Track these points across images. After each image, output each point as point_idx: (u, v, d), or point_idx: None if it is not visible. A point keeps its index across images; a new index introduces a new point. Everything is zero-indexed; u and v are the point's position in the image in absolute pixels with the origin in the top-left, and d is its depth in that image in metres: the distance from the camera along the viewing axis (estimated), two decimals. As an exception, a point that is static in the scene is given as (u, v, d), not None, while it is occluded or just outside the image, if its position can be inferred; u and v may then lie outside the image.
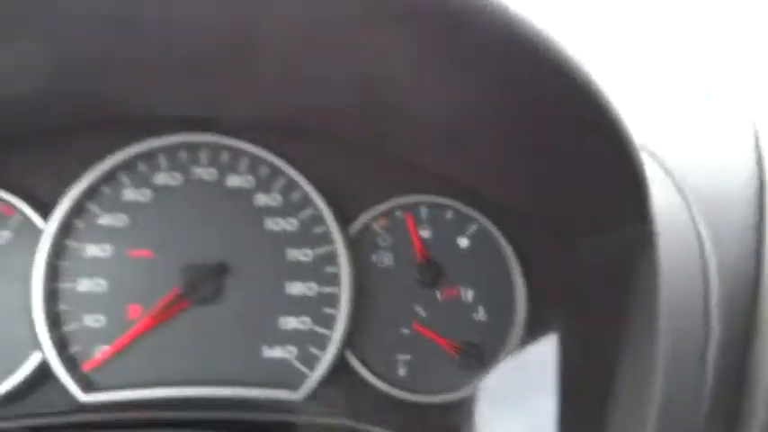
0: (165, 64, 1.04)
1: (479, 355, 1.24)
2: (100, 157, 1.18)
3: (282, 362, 1.19)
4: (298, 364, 1.19)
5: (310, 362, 1.20)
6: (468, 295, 1.27)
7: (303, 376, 1.18)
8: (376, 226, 1.28)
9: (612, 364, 0.92)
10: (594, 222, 1.11)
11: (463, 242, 1.29)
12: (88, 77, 1.06)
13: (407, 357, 1.24)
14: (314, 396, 1.18)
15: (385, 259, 1.27)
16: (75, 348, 1.16)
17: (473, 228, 1.29)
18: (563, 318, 1.24)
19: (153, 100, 1.17)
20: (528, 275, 1.28)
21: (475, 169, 1.26)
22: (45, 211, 1.18)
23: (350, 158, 1.28)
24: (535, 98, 0.87)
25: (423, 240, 1.28)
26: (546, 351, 1.21)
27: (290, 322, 1.20)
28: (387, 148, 1.28)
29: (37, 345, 1.13)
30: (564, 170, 1.05)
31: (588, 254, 1.17)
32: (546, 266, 1.29)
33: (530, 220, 1.27)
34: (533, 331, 1.27)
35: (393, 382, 1.24)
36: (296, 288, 1.21)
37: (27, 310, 1.15)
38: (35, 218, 1.17)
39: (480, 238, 1.29)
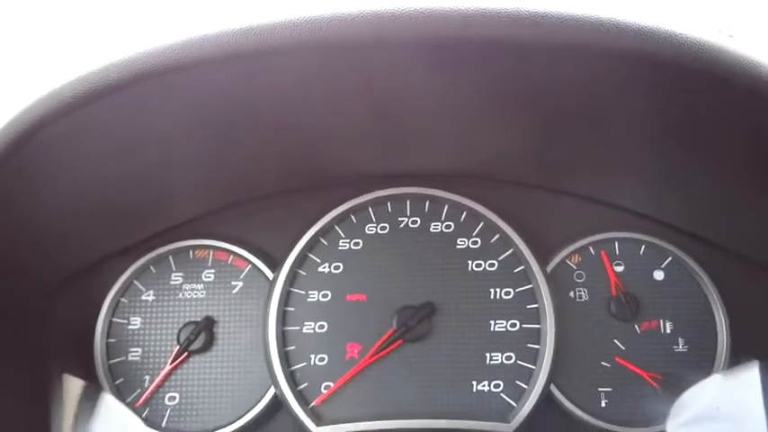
0: (374, 137, 1.18)
1: (682, 385, 1.26)
2: (319, 214, 1.31)
3: (492, 395, 1.27)
4: (506, 398, 1.26)
5: (517, 395, 1.26)
6: (668, 327, 1.29)
7: (512, 409, 1.26)
8: (570, 263, 1.33)
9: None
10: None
11: (659, 275, 1.32)
12: (310, 148, 1.20)
13: (608, 389, 1.29)
14: (524, 428, 1.24)
15: (582, 294, 1.31)
16: (303, 384, 1.28)
17: (667, 260, 1.31)
18: (766, 345, 1.23)
19: (362, 163, 1.30)
20: (727, 302, 1.30)
21: (669, 204, 1.29)
22: (272, 262, 1.31)
23: (542, 200, 1.35)
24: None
25: (617, 275, 1.32)
26: (750, 380, 1.22)
27: (497, 358, 1.27)
28: (578, 189, 1.33)
29: (273, 381, 1.26)
30: (756, 198, 1.08)
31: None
32: (744, 294, 1.30)
33: (725, 249, 1.28)
34: (736, 361, 1.27)
35: (595, 413, 1.29)
36: (500, 325, 1.28)
37: (262, 351, 1.29)
38: (264, 269, 1.31)
39: (676, 271, 1.32)
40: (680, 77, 0.81)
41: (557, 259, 1.31)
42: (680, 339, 1.29)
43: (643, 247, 1.32)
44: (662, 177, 1.22)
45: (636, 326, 1.30)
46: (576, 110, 1.02)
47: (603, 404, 1.26)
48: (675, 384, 1.25)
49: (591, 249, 1.32)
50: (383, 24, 0.76)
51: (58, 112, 0.80)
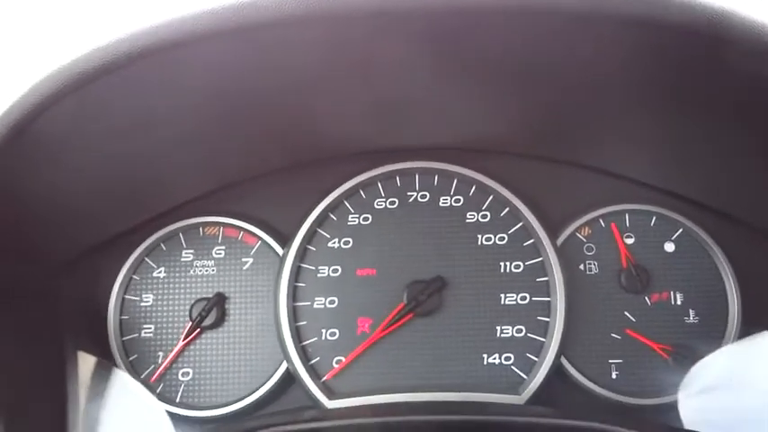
0: (381, 112, 1.18)
1: (692, 356, 1.26)
2: (329, 189, 1.31)
3: (502, 368, 1.28)
4: (517, 370, 1.27)
5: (528, 368, 1.27)
6: (678, 298, 1.29)
7: (522, 381, 1.26)
8: (580, 236, 1.33)
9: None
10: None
11: (669, 247, 1.31)
12: (320, 121, 1.20)
13: (619, 361, 1.29)
14: (535, 400, 1.24)
15: (592, 267, 1.31)
16: (315, 359, 1.29)
17: (678, 231, 1.31)
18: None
19: (370, 138, 1.30)
20: (738, 273, 1.29)
21: (680, 174, 1.28)
22: (282, 238, 1.31)
23: (551, 172, 1.34)
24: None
25: (628, 247, 1.31)
26: (761, 350, 1.22)
27: (507, 331, 1.28)
28: (587, 161, 1.32)
29: (285, 356, 1.27)
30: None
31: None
32: (755, 265, 1.30)
33: (736, 220, 1.28)
34: (747, 331, 1.27)
35: (606, 385, 1.29)
36: (510, 298, 1.28)
37: (274, 326, 1.30)
38: (275, 245, 1.31)
39: (686, 242, 1.32)
40: (691, 44, 0.80)
41: (567, 232, 1.31)
42: (691, 311, 1.29)
43: (654, 218, 1.32)
44: (673, 148, 1.21)
45: (646, 298, 1.30)
46: (584, 80, 1.01)
47: (614, 376, 1.27)
48: (686, 356, 1.26)
49: (601, 222, 1.32)
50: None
51: (63, 90, 0.80)
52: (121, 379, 1.29)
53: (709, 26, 0.74)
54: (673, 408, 1.25)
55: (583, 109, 1.15)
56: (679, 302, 1.29)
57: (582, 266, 1.30)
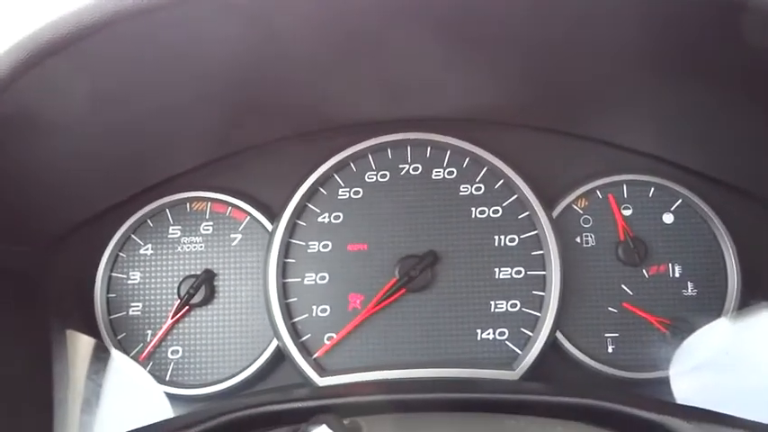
0: (371, 82, 1.16)
1: (691, 329, 1.24)
2: (318, 162, 1.27)
3: (496, 343, 1.26)
4: (511, 345, 1.24)
5: (522, 343, 1.24)
6: (677, 271, 1.26)
7: (516, 356, 1.24)
8: (577, 207, 1.29)
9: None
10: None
11: (668, 218, 1.28)
12: (305, 92, 1.17)
13: (615, 335, 1.27)
14: (529, 375, 1.22)
15: (589, 239, 1.28)
16: (306, 336, 1.27)
17: (677, 203, 1.28)
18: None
19: (361, 109, 1.26)
20: (738, 244, 1.26)
21: (680, 144, 1.24)
22: (271, 214, 1.28)
23: (547, 143, 1.30)
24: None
25: (625, 219, 1.28)
26: (761, 320, 1.19)
27: (501, 305, 1.25)
28: (584, 131, 1.28)
29: (275, 333, 1.24)
30: None
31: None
32: (755, 236, 1.27)
33: (736, 189, 1.25)
34: (746, 303, 1.25)
35: (602, 359, 1.27)
36: (504, 272, 1.25)
37: (264, 303, 1.27)
38: (264, 221, 1.28)
39: (685, 213, 1.29)
40: (703, 11, 0.76)
41: (563, 204, 1.28)
42: (689, 283, 1.27)
43: (652, 189, 1.29)
44: (673, 117, 1.17)
45: (644, 270, 1.28)
46: (587, 48, 0.98)
47: (610, 350, 1.25)
48: (684, 329, 1.24)
49: (598, 193, 1.29)
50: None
51: (43, 51, 0.76)
52: (114, 357, 1.26)
53: None
54: (669, 382, 1.21)
55: (582, 78, 1.11)
56: (677, 275, 1.26)
57: (578, 239, 1.28)
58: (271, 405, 0.92)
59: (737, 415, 0.94)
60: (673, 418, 0.82)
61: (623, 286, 1.26)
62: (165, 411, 1.23)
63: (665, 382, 1.23)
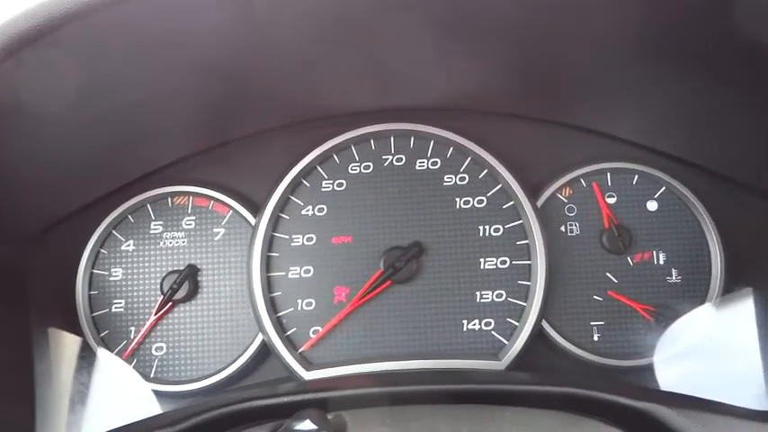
0: (353, 71, 1.15)
1: (675, 316, 1.25)
2: (301, 154, 1.26)
3: (482, 333, 1.26)
4: (497, 336, 1.24)
5: (508, 332, 1.25)
6: (661, 258, 1.26)
7: (503, 346, 1.24)
8: (561, 196, 1.29)
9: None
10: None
11: (652, 205, 1.28)
12: (286, 82, 1.16)
13: (601, 323, 1.28)
14: (516, 365, 1.22)
15: (573, 228, 1.28)
16: (291, 330, 1.26)
17: (661, 190, 1.28)
18: (759, 272, 1.22)
19: (343, 99, 1.25)
20: (721, 231, 1.27)
21: (663, 130, 1.24)
22: (254, 207, 1.27)
23: (531, 132, 1.30)
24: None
25: (610, 207, 1.28)
26: (744, 305, 1.20)
27: (487, 296, 1.25)
28: (568, 119, 1.28)
29: (260, 328, 1.23)
30: (756, 126, 1.05)
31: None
32: (739, 222, 1.28)
33: (720, 176, 1.26)
34: (730, 289, 1.26)
35: (588, 347, 1.28)
36: (490, 263, 1.25)
37: (247, 298, 1.27)
38: (246, 214, 1.27)
39: (669, 200, 1.29)
40: None
41: (547, 193, 1.28)
42: (673, 270, 1.27)
43: (636, 177, 1.29)
44: (657, 104, 1.18)
45: (629, 258, 1.29)
46: (571, 34, 0.98)
47: (596, 338, 1.26)
48: (669, 315, 1.24)
49: (582, 181, 1.29)
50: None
51: (15, 44, 0.74)
52: (99, 356, 1.25)
53: None
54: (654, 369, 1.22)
55: (566, 65, 1.11)
56: (662, 262, 1.27)
57: (563, 228, 1.28)
58: (255, 401, 0.91)
59: (721, 400, 0.95)
60: (656, 405, 0.82)
61: (608, 274, 1.26)
62: (152, 408, 1.21)
63: (651, 369, 1.23)
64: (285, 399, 0.92)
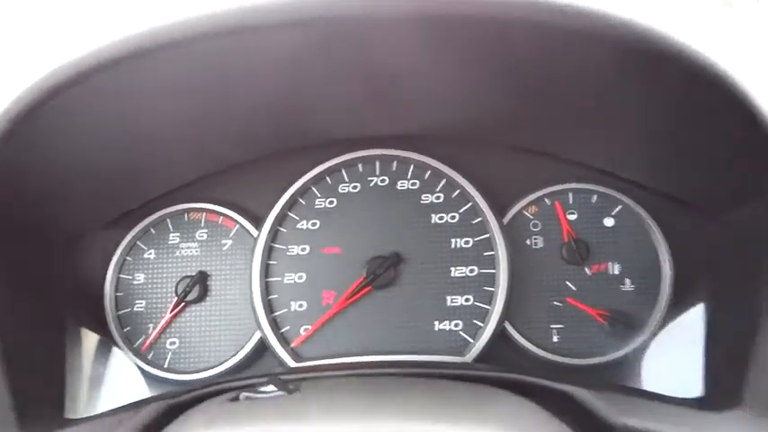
0: (349, 106, 1.33)
1: (627, 321, 1.40)
2: (297, 176, 1.48)
3: (451, 333, 1.42)
4: (464, 335, 1.41)
5: (475, 333, 1.41)
6: (616, 269, 1.42)
7: (468, 344, 1.41)
8: (527, 213, 1.46)
9: (756, 326, 0.99)
10: (737, 194, 1.21)
11: (609, 222, 1.44)
12: (291, 117, 1.36)
13: (560, 326, 1.43)
14: (479, 360, 1.39)
15: (537, 242, 1.45)
16: (285, 328, 1.45)
17: (618, 208, 1.44)
18: (707, 283, 1.35)
19: (336, 129, 1.47)
20: (672, 246, 1.40)
21: (620, 157, 1.41)
22: (256, 221, 1.48)
23: (501, 157, 1.48)
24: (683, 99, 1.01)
25: (570, 222, 1.45)
26: (692, 315, 1.34)
27: (456, 300, 1.42)
28: (536, 146, 1.45)
29: (258, 326, 1.43)
30: (705, 151, 1.16)
31: (731, 223, 1.26)
32: (688, 236, 1.40)
33: (672, 198, 1.39)
34: (679, 297, 1.40)
35: (548, 348, 1.42)
36: (460, 271, 1.43)
37: (248, 300, 1.45)
38: (250, 228, 1.48)
39: (625, 217, 1.44)
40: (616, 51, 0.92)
41: (513, 210, 1.45)
42: (627, 279, 1.41)
43: (595, 196, 1.44)
44: (613, 134, 1.32)
45: (586, 269, 1.43)
46: (536, 78, 1.13)
47: (555, 339, 1.40)
48: (620, 320, 1.38)
49: (546, 200, 1.45)
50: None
51: (71, 81, 0.92)
52: (117, 355, 1.48)
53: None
54: (607, 367, 1.39)
55: (535, 101, 1.26)
56: (616, 272, 1.41)
57: (528, 241, 1.44)
58: (230, 383, 1.11)
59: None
60: (575, 388, 0.97)
61: (568, 283, 1.42)
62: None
63: (604, 367, 1.37)
64: (255, 380, 1.11)
